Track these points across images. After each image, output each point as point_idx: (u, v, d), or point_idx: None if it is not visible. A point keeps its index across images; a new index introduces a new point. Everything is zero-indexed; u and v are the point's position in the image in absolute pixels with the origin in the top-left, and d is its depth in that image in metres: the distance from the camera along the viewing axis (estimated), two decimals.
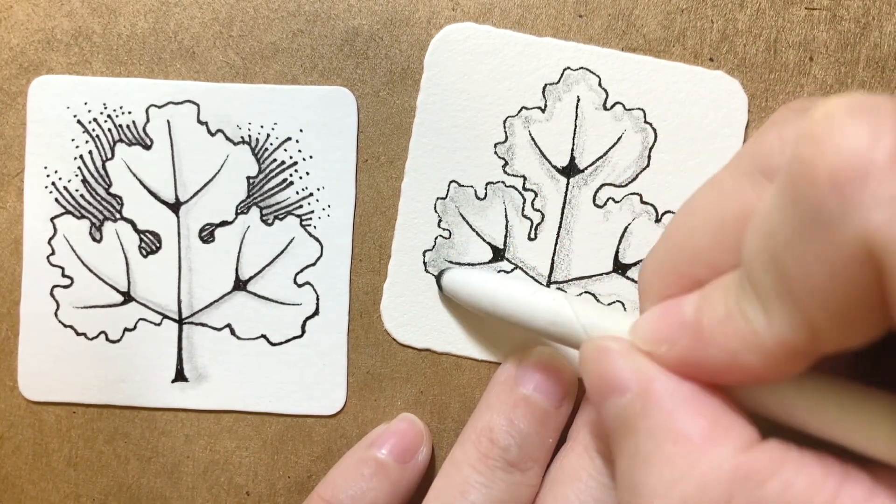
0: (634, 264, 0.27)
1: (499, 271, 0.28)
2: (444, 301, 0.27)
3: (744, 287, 0.16)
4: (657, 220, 0.27)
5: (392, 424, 0.28)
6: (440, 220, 0.28)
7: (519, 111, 0.27)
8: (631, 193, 0.27)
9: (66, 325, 0.28)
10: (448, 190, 0.27)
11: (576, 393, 0.27)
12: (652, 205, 0.27)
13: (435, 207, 0.27)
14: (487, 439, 0.25)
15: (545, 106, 0.27)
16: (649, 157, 0.27)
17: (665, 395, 0.18)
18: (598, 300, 0.28)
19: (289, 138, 0.27)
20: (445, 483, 0.26)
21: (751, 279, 0.16)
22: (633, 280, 0.27)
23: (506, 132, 0.27)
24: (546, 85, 0.27)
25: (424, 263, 0.28)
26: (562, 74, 0.27)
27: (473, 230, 0.28)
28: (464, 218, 0.27)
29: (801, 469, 0.16)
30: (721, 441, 0.17)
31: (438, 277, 0.27)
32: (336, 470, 0.27)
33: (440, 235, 0.28)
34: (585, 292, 0.28)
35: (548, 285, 0.28)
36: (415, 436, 0.27)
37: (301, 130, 0.27)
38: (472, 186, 0.27)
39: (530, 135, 0.27)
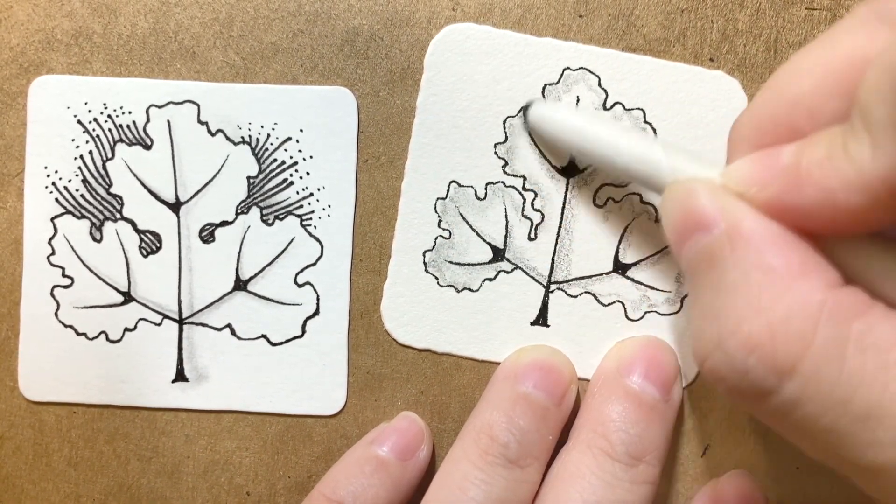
0: (634, 264, 0.27)
1: (499, 272, 0.28)
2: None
3: (852, 126, 0.16)
4: (657, 220, 0.27)
5: (393, 422, 0.28)
6: (440, 221, 0.28)
7: (519, 111, 0.27)
8: (631, 193, 0.27)
9: (66, 325, 0.28)
10: (448, 190, 0.27)
11: (576, 391, 0.27)
12: (652, 205, 0.27)
13: (435, 207, 0.27)
14: (487, 436, 0.25)
15: None
16: None
17: (755, 232, 0.18)
18: (598, 301, 0.28)
19: (289, 138, 0.27)
20: (445, 480, 0.26)
21: (863, 115, 0.16)
22: (633, 280, 0.27)
23: (506, 132, 0.27)
24: (546, 85, 0.27)
25: (424, 264, 0.28)
26: (561, 75, 0.27)
27: (473, 230, 0.28)
28: (464, 218, 0.28)
29: (886, 317, 0.16)
30: (810, 276, 0.17)
31: (525, 109, 0.27)
32: (337, 467, 0.27)
33: (440, 235, 0.28)
34: (585, 292, 0.28)
35: (548, 285, 0.28)
36: (415, 434, 0.27)
37: (301, 130, 0.27)
38: (472, 186, 0.27)
39: (530, 135, 0.27)
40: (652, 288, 0.27)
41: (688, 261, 0.19)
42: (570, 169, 0.27)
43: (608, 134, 0.24)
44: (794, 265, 0.17)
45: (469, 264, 0.28)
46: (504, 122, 0.27)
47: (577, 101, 0.27)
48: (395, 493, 0.26)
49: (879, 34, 0.17)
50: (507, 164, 0.27)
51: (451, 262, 0.28)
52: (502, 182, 0.27)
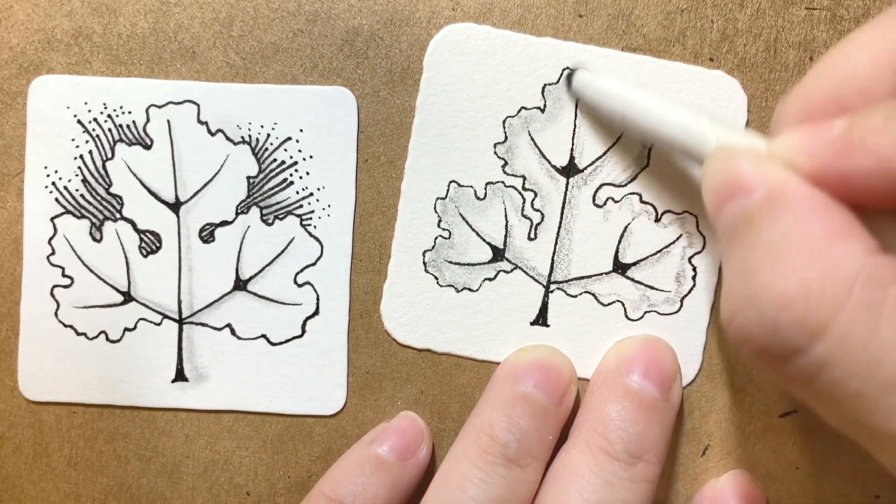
0: (634, 264, 0.27)
1: (499, 271, 0.28)
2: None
3: None
4: (657, 220, 0.27)
5: (393, 422, 0.28)
6: (440, 221, 0.28)
7: (518, 111, 0.27)
8: (630, 193, 0.27)
9: (66, 325, 0.28)
10: (448, 190, 0.27)
11: (576, 390, 0.27)
12: (651, 204, 0.27)
13: (435, 207, 0.27)
14: (487, 436, 0.25)
15: (544, 106, 0.27)
16: (648, 156, 0.27)
17: (796, 197, 0.18)
18: (598, 300, 0.28)
19: (289, 138, 0.27)
20: (445, 479, 0.26)
21: None
22: (632, 280, 0.27)
23: (505, 132, 0.27)
24: (545, 85, 0.27)
25: (424, 264, 0.28)
26: (561, 74, 0.27)
27: (473, 230, 0.28)
28: (464, 218, 0.28)
29: None
30: (849, 240, 0.17)
31: (569, 76, 0.27)
32: (337, 466, 0.27)
33: (440, 235, 0.28)
34: (585, 292, 0.28)
35: (547, 285, 0.28)
36: (416, 433, 0.27)
37: (301, 130, 0.27)
38: (471, 186, 0.27)
39: (530, 135, 0.27)
40: (652, 288, 0.27)
41: (725, 223, 0.19)
42: (570, 169, 0.27)
43: (655, 104, 0.24)
44: (833, 229, 0.17)
45: (469, 264, 0.28)
46: (504, 121, 0.27)
47: (577, 100, 0.27)
48: (395, 492, 0.26)
49: None
50: (506, 163, 0.27)
51: (450, 262, 0.28)
52: (502, 182, 0.27)
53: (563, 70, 0.27)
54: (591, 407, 0.26)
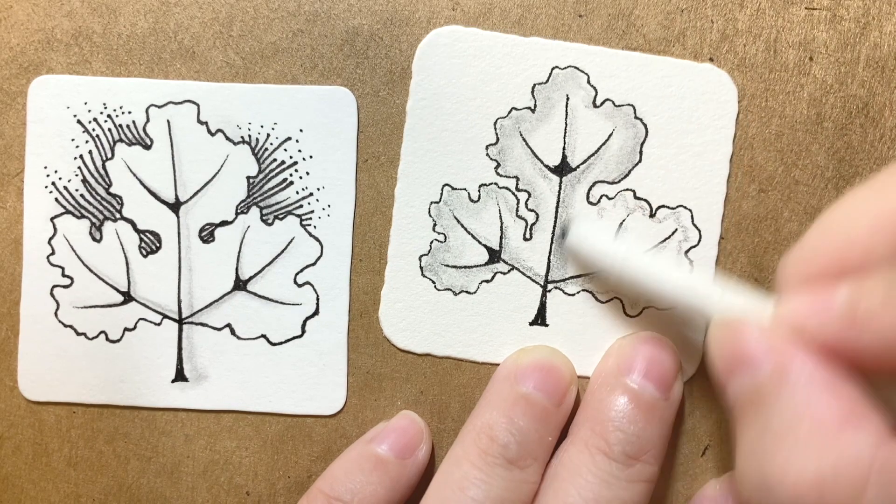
0: None
1: (496, 273, 0.28)
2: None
3: None
4: (651, 216, 0.27)
5: (392, 421, 0.28)
6: (435, 225, 0.28)
7: (509, 112, 0.27)
8: (624, 190, 0.27)
9: (66, 325, 0.28)
10: (441, 194, 0.27)
11: (576, 391, 0.27)
12: (646, 200, 0.27)
13: (429, 212, 0.27)
14: (487, 437, 0.25)
15: (535, 106, 0.27)
16: (641, 152, 0.27)
17: (802, 376, 0.18)
18: (596, 298, 0.28)
19: (289, 138, 0.27)
20: (445, 479, 0.26)
21: None
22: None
23: (497, 134, 0.27)
24: (535, 85, 0.27)
25: (421, 268, 0.28)
26: (550, 74, 0.27)
27: (468, 233, 0.28)
28: (458, 221, 0.27)
29: None
30: (860, 427, 0.17)
31: (563, 231, 0.27)
32: (336, 464, 0.27)
33: (435, 239, 0.28)
34: (583, 290, 0.28)
35: (545, 285, 0.28)
36: (415, 433, 0.27)
37: (301, 130, 0.27)
38: (465, 189, 0.27)
39: (521, 135, 0.27)
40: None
41: (734, 397, 0.20)
42: (563, 167, 0.27)
43: (658, 267, 0.24)
44: (843, 413, 0.17)
45: (465, 267, 0.28)
46: (495, 123, 0.27)
47: (567, 99, 0.27)
48: (394, 491, 0.26)
49: None
50: (499, 165, 0.27)
51: (447, 266, 0.28)
52: (495, 183, 0.27)
53: (560, 226, 0.27)
54: (590, 406, 0.26)
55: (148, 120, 0.27)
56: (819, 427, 0.17)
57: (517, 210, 0.27)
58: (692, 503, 0.28)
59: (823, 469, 0.17)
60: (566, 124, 0.27)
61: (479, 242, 0.28)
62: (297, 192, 0.28)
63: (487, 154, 0.27)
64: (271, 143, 0.27)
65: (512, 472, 0.25)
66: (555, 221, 0.27)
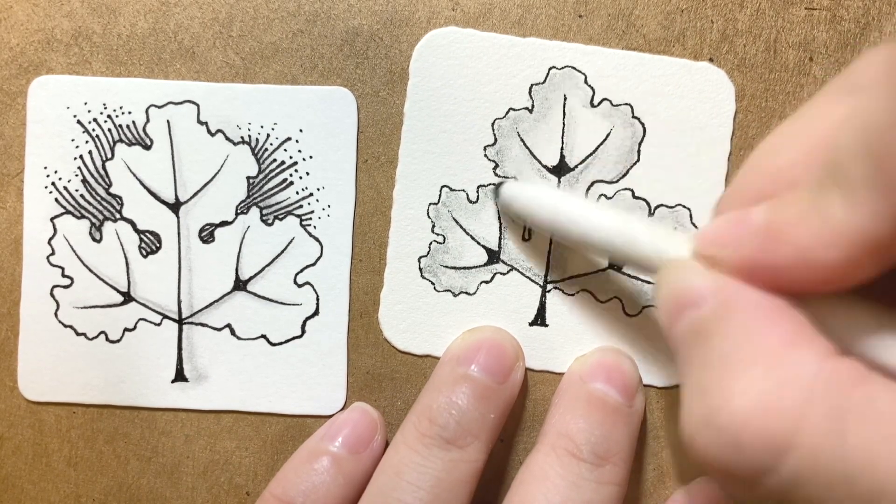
0: None
1: (495, 273, 0.28)
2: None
3: (824, 184, 0.16)
4: (650, 214, 0.27)
5: (343, 414, 0.27)
6: (433, 226, 0.28)
7: (507, 113, 0.27)
8: (623, 189, 0.27)
9: (66, 325, 0.28)
10: (440, 195, 0.27)
11: (523, 369, 0.27)
12: (644, 199, 0.27)
13: (428, 213, 0.28)
14: (427, 419, 0.25)
15: (532, 106, 0.27)
16: (639, 151, 0.27)
17: (748, 305, 0.17)
18: (595, 298, 0.28)
19: (289, 138, 0.27)
20: (384, 466, 0.25)
21: (837, 172, 0.16)
22: (629, 276, 0.27)
23: (494, 134, 0.27)
24: (532, 85, 0.27)
25: (420, 270, 0.28)
26: (547, 74, 0.27)
27: (467, 234, 0.28)
28: (457, 222, 0.28)
29: (887, 387, 0.15)
30: (803, 346, 0.16)
31: (496, 189, 0.27)
32: (288, 465, 0.27)
33: (434, 241, 0.28)
34: (583, 290, 0.28)
35: (544, 285, 0.28)
36: (368, 425, 0.27)
37: (301, 130, 0.27)
38: (463, 190, 0.27)
39: (519, 136, 0.27)
40: (649, 283, 0.27)
41: (679, 339, 0.19)
42: (561, 167, 0.27)
43: (584, 209, 0.23)
44: (786, 336, 0.17)
45: (465, 268, 0.28)
46: (492, 123, 0.27)
47: (565, 99, 0.27)
48: (349, 487, 0.26)
49: (847, 105, 0.17)
50: (497, 165, 0.27)
51: (446, 267, 0.28)
52: (493, 184, 0.27)
53: (490, 185, 0.27)
54: (555, 413, 0.26)
55: (148, 120, 0.27)
56: (762, 351, 0.17)
57: None
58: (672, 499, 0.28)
59: (767, 390, 0.16)
60: (564, 124, 0.27)
61: (478, 243, 0.28)
62: (297, 193, 0.28)
63: (486, 155, 0.27)
64: (271, 144, 0.27)
65: (450, 452, 0.25)
66: None
